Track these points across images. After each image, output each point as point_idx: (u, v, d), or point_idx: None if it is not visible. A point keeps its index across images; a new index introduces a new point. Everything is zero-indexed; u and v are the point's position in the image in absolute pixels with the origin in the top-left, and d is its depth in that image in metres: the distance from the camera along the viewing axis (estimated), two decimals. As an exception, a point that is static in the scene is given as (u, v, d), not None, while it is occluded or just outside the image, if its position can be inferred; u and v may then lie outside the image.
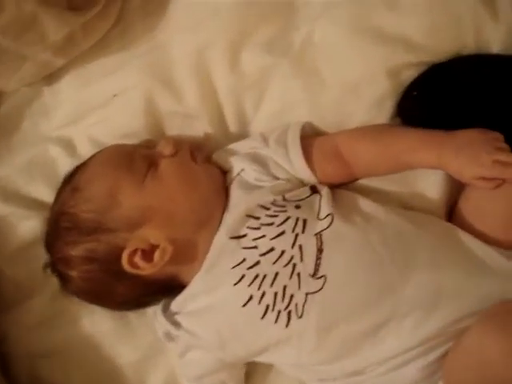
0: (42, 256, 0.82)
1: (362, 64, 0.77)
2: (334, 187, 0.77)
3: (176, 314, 0.78)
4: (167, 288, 0.78)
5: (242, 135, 0.84)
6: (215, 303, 0.74)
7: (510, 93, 0.74)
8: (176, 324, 0.77)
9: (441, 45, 0.76)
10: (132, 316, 0.86)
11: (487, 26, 0.77)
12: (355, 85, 0.78)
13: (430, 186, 0.78)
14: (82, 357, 0.87)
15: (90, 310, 0.85)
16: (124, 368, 0.86)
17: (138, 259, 0.73)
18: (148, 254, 0.74)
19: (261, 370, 0.83)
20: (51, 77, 0.87)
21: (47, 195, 0.86)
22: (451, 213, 0.79)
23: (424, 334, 0.69)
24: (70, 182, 0.79)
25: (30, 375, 0.87)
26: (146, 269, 0.74)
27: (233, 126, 0.84)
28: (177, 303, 0.77)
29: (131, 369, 0.86)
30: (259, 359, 0.78)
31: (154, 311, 0.81)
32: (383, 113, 0.78)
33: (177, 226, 0.75)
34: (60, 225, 0.77)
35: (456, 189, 0.78)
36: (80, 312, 0.86)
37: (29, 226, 0.87)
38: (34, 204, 0.88)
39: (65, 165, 0.86)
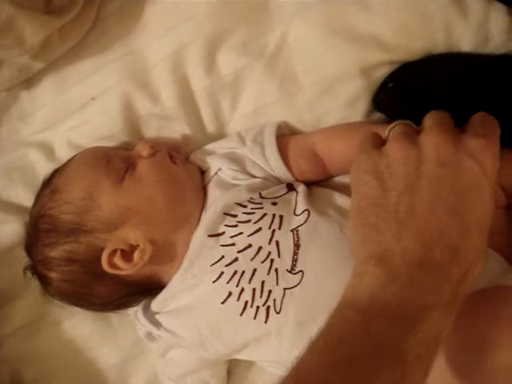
0: (22, 260, 0.82)
1: (336, 63, 0.78)
2: (310, 184, 0.78)
3: (156, 313, 0.78)
4: (147, 288, 0.78)
5: (220, 136, 0.85)
6: (195, 301, 0.75)
7: (479, 88, 0.76)
8: (157, 324, 0.78)
9: (412, 44, 0.77)
10: (113, 317, 0.86)
11: (457, 25, 0.77)
12: (330, 84, 0.78)
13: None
14: (65, 360, 0.87)
15: (71, 312, 0.86)
16: (106, 370, 0.87)
17: (117, 259, 0.74)
18: (127, 255, 0.74)
19: (242, 368, 0.84)
20: (29, 81, 0.87)
21: (26, 199, 0.86)
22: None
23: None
24: (49, 185, 0.79)
25: (13, 379, 0.87)
26: (125, 269, 0.74)
27: (210, 127, 0.85)
28: (157, 303, 0.78)
29: (114, 370, 0.87)
30: (240, 357, 0.78)
31: (135, 311, 0.81)
32: (358, 110, 0.79)
33: (156, 225, 0.75)
34: (39, 227, 0.77)
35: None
36: (61, 315, 0.87)
37: (8, 230, 0.87)
38: (13, 208, 0.88)
39: (44, 169, 0.86)
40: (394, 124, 0.60)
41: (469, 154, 0.54)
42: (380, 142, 0.60)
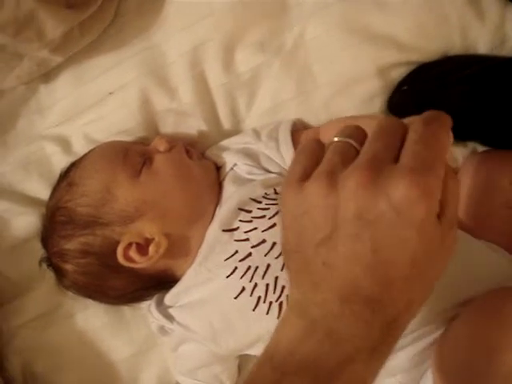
0: (38, 252, 0.83)
1: (353, 63, 0.79)
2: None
3: (169, 307, 0.79)
4: (162, 282, 0.79)
5: (236, 132, 0.85)
6: (208, 296, 0.75)
7: (493, 91, 0.76)
8: (169, 318, 0.79)
9: (428, 44, 0.78)
10: (126, 310, 0.87)
11: (473, 26, 0.78)
12: (346, 83, 0.79)
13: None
14: (77, 353, 0.88)
15: (84, 305, 0.86)
16: (118, 363, 0.87)
17: (132, 253, 0.75)
18: (143, 248, 0.75)
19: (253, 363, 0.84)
20: (47, 75, 0.87)
21: (43, 192, 0.87)
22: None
23: (414, 321, 0.70)
24: (66, 178, 0.80)
25: (24, 371, 0.88)
26: (140, 262, 0.75)
27: (226, 124, 0.86)
28: (170, 297, 0.78)
29: (125, 363, 0.87)
30: (252, 352, 0.79)
31: (148, 305, 0.81)
32: (374, 110, 0.79)
33: (171, 220, 0.76)
34: (56, 219, 0.78)
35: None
36: (74, 308, 0.87)
37: (24, 222, 0.88)
38: (29, 201, 0.88)
39: (60, 162, 0.87)
40: (334, 139, 0.52)
41: (390, 203, 0.45)
42: (313, 162, 0.51)
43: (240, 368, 0.84)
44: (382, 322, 0.48)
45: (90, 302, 0.85)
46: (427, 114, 0.49)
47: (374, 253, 0.46)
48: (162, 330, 0.81)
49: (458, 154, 0.81)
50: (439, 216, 0.47)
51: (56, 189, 0.82)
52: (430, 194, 0.45)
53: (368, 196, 0.46)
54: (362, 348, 0.48)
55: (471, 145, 0.81)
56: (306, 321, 0.49)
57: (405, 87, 0.78)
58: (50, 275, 0.84)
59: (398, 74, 0.79)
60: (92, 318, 0.87)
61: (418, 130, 0.48)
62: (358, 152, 0.49)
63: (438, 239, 0.48)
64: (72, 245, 0.77)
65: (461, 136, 0.79)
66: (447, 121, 0.49)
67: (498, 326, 0.62)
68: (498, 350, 0.60)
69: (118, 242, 0.75)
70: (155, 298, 0.81)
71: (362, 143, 0.50)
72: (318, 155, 0.51)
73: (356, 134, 0.51)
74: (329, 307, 0.48)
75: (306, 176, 0.50)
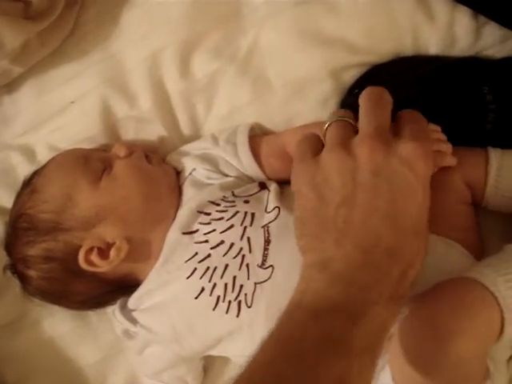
0: (2, 261, 0.84)
1: (306, 66, 0.80)
2: (282, 183, 0.80)
3: (133, 310, 0.80)
4: (125, 285, 0.80)
5: (195, 137, 0.87)
6: (170, 298, 0.76)
7: (444, 91, 0.78)
8: (133, 321, 0.80)
9: (380, 46, 0.80)
10: (92, 316, 0.88)
11: (424, 28, 0.80)
12: (300, 86, 0.81)
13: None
14: (45, 359, 0.89)
15: (50, 311, 0.87)
16: (86, 368, 0.88)
17: (94, 257, 0.76)
18: (104, 252, 0.76)
19: (218, 364, 0.85)
20: (10, 86, 0.89)
21: (7, 201, 0.88)
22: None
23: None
24: (29, 186, 0.81)
25: (-7, 379, 0.88)
26: (102, 266, 0.76)
27: (186, 129, 0.87)
28: (133, 300, 0.79)
29: (93, 369, 0.88)
30: (215, 353, 0.80)
31: (113, 310, 0.82)
32: (328, 111, 0.80)
33: (132, 224, 0.77)
34: (18, 226, 0.79)
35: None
36: (41, 315, 0.88)
37: (-12, 230, 0.88)
38: (-6, 209, 0.89)
39: (25, 171, 0.87)
40: (329, 122, 0.62)
41: (401, 160, 0.56)
42: (317, 146, 0.61)
43: (205, 369, 0.85)
44: (398, 269, 0.54)
45: (56, 308, 0.85)
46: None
47: (391, 204, 0.55)
48: (127, 333, 0.82)
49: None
50: None
51: (19, 196, 0.83)
52: (430, 155, 0.57)
53: (382, 157, 0.55)
54: (382, 293, 0.53)
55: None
56: (329, 274, 0.54)
57: (356, 90, 0.79)
58: (15, 283, 0.85)
59: (351, 75, 0.80)
60: (59, 325, 0.88)
61: (409, 116, 0.61)
62: (353, 127, 0.60)
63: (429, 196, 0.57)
64: (35, 251, 0.78)
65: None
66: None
67: (451, 314, 0.63)
68: (451, 335, 0.62)
69: (79, 247, 0.76)
70: (119, 302, 0.82)
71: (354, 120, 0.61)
72: (319, 140, 0.62)
73: (347, 113, 0.62)
74: (352, 259, 0.54)
75: (316, 153, 0.60)
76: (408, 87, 0.78)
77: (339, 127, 0.61)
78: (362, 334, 0.51)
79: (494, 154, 0.76)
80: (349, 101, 0.80)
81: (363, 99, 0.61)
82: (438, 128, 0.69)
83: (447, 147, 0.69)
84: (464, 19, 0.80)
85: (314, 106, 0.81)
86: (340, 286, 0.53)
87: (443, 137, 0.70)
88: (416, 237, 0.56)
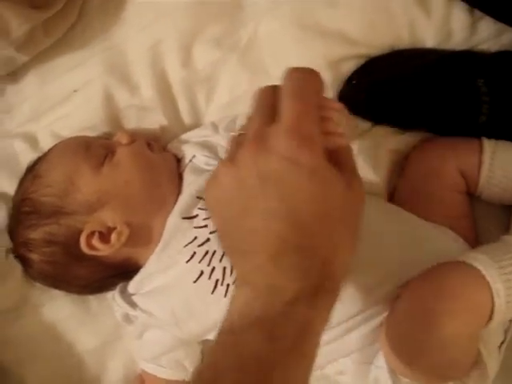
0: (5, 247, 0.85)
1: (304, 57, 0.82)
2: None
3: (133, 295, 0.81)
4: (125, 270, 0.81)
5: (196, 126, 0.89)
6: (169, 282, 0.78)
7: (438, 83, 0.80)
8: (133, 305, 0.81)
9: (377, 39, 0.82)
10: (93, 301, 0.89)
11: (420, 22, 0.82)
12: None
13: (371, 169, 0.83)
14: (45, 344, 0.89)
15: (51, 296, 0.88)
16: (85, 353, 0.89)
17: (95, 241, 0.77)
18: (105, 236, 0.77)
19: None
20: (14, 75, 0.91)
21: (10, 187, 0.89)
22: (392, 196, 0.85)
23: (363, 302, 0.73)
24: (32, 171, 0.83)
25: (-6, 364, 0.90)
26: (103, 250, 0.77)
27: (187, 118, 0.89)
28: (134, 284, 0.81)
29: (92, 354, 0.89)
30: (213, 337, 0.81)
31: (113, 294, 0.83)
32: (325, 101, 0.82)
33: (132, 209, 0.79)
34: (21, 210, 0.81)
35: (396, 172, 0.84)
36: (42, 299, 0.89)
37: (-8, 217, 0.90)
38: (-3, 196, 0.90)
39: (28, 158, 0.89)
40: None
41: (279, 157, 0.51)
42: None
43: (203, 354, 0.86)
44: (316, 265, 0.52)
45: (57, 293, 0.87)
46: (289, 69, 0.57)
47: (283, 203, 0.52)
48: (127, 317, 0.83)
49: (409, 141, 0.84)
50: (337, 162, 0.54)
51: (22, 182, 0.84)
52: (308, 139, 0.52)
53: (261, 160, 0.52)
54: (301, 291, 0.51)
55: (421, 133, 0.84)
56: (248, 288, 0.53)
57: (354, 81, 0.81)
58: (17, 269, 0.86)
59: (348, 67, 0.82)
60: (59, 309, 0.89)
61: (284, 85, 0.55)
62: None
63: (339, 183, 0.53)
64: (37, 234, 0.79)
65: (409, 124, 0.82)
66: (309, 70, 0.57)
67: (437, 295, 0.65)
68: (434, 317, 0.64)
69: (81, 231, 0.77)
70: (119, 286, 0.83)
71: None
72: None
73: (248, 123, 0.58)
74: (264, 269, 0.52)
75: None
76: (404, 79, 0.80)
77: (232, 141, 0.59)
78: (283, 338, 0.51)
79: (488, 144, 0.78)
80: (345, 93, 0.82)
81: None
82: (331, 103, 0.60)
83: (334, 126, 0.58)
84: (460, 14, 0.83)
85: (311, 96, 0.82)
86: (260, 299, 0.52)
87: (333, 113, 0.59)
88: (325, 227, 0.53)
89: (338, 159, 0.55)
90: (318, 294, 0.52)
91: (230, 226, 0.56)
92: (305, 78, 0.56)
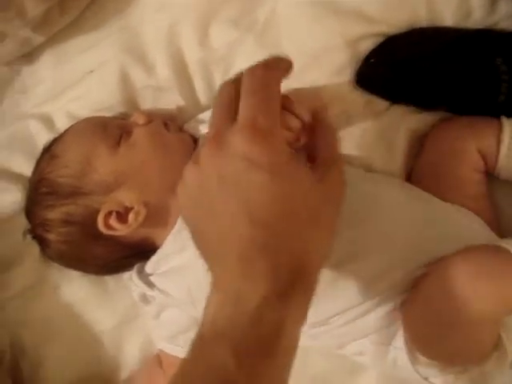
0: (23, 228, 0.85)
1: (322, 35, 0.81)
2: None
3: (150, 275, 0.82)
4: (142, 250, 0.81)
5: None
6: (185, 263, 0.78)
7: (458, 62, 0.79)
8: (150, 285, 0.81)
9: (395, 17, 0.81)
10: (110, 282, 0.89)
11: (439, 0, 0.81)
12: (316, 55, 0.81)
13: (389, 149, 0.82)
14: (62, 324, 0.90)
15: (69, 276, 0.89)
16: (102, 333, 0.90)
17: (112, 221, 0.77)
18: (122, 216, 0.77)
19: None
20: (30, 56, 0.91)
21: (27, 168, 0.89)
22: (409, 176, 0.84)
23: (381, 283, 0.73)
24: (48, 152, 0.83)
25: (12, 344, 0.90)
26: (120, 230, 0.77)
27: (203, 98, 0.88)
28: (151, 264, 0.81)
29: (109, 334, 0.89)
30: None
31: (130, 275, 0.84)
32: (343, 79, 0.82)
33: (150, 189, 0.79)
34: (38, 191, 0.81)
35: (413, 152, 0.83)
36: (59, 280, 0.89)
37: (9, 198, 0.90)
38: (14, 177, 0.91)
39: (44, 139, 0.89)
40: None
41: (236, 157, 0.51)
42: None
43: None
44: (285, 264, 0.51)
45: (74, 273, 0.87)
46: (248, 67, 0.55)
47: (245, 204, 0.51)
48: (144, 297, 0.83)
49: (427, 121, 0.83)
50: (310, 156, 0.54)
51: (39, 162, 0.84)
52: (266, 135, 0.51)
53: (219, 160, 0.52)
54: (270, 293, 0.50)
55: (439, 113, 0.83)
56: (219, 294, 0.53)
57: (372, 60, 0.80)
58: (35, 250, 0.87)
59: (366, 46, 0.81)
60: (76, 290, 0.89)
61: (242, 83, 0.54)
62: None
63: (307, 178, 0.53)
64: (54, 214, 0.79)
65: (427, 104, 0.82)
66: (269, 62, 0.55)
67: (471, 275, 0.65)
68: (467, 297, 0.63)
69: (98, 211, 0.77)
70: (136, 267, 0.83)
71: None
72: None
73: None
74: (232, 272, 0.52)
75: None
76: (423, 58, 0.79)
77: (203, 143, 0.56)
78: (250, 351, 0.49)
79: (507, 123, 0.77)
80: (363, 72, 0.82)
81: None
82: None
83: (295, 121, 0.58)
84: (479, -9, 0.81)
85: (329, 75, 0.82)
86: (230, 304, 0.51)
87: (295, 106, 0.59)
88: (291, 225, 0.52)
89: (311, 152, 0.54)
90: (288, 294, 0.51)
91: (200, 228, 0.56)
92: (262, 74, 0.54)
